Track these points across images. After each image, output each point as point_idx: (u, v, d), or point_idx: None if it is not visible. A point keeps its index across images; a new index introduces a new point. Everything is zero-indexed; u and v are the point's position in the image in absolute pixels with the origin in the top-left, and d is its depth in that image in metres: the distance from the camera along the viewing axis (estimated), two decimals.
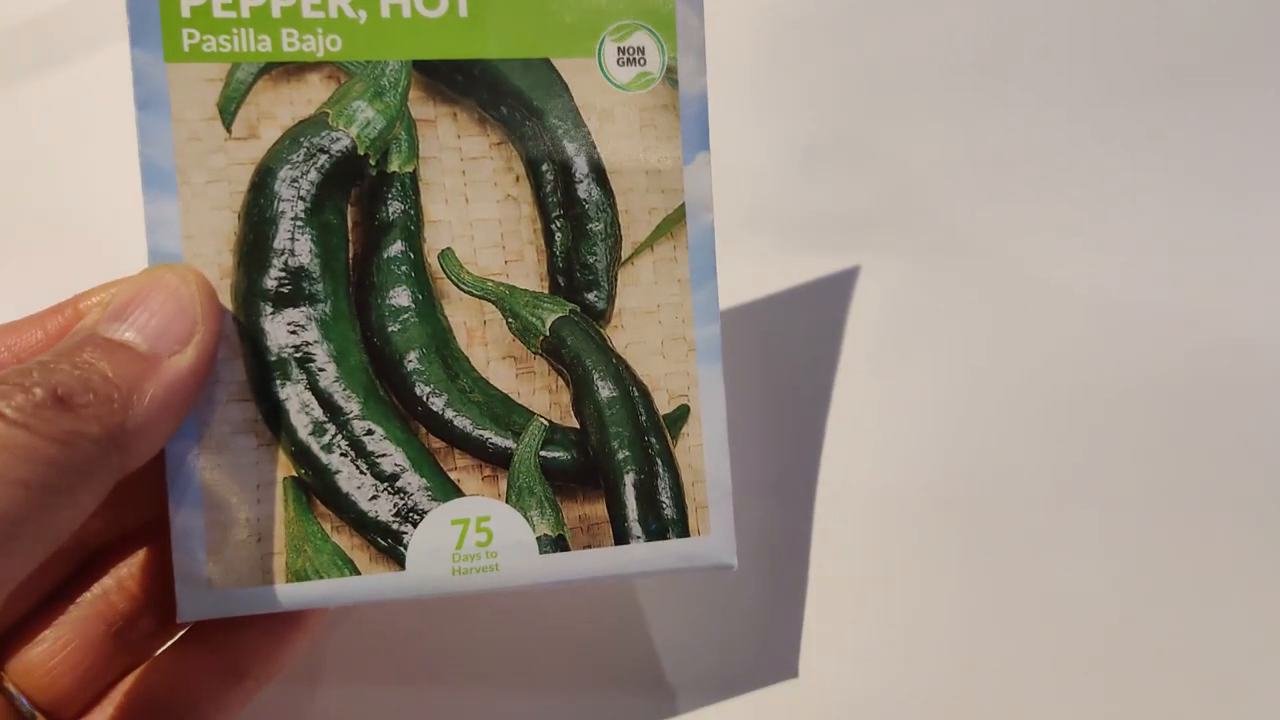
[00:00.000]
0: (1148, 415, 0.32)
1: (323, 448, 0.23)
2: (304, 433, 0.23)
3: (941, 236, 0.33)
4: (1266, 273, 0.33)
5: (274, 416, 0.23)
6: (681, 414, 0.25)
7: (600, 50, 0.25)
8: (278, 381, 0.23)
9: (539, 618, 0.30)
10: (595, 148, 0.25)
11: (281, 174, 0.23)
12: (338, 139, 0.24)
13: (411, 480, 0.24)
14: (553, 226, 0.25)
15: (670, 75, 0.25)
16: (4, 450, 0.18)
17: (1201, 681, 0.30)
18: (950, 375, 0.32)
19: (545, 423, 0.25)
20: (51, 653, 0.23)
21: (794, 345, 0.33)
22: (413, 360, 0.24)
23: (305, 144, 0.23)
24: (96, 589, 0.24)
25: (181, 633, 0.25)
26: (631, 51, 0.25)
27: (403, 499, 0.24)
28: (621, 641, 0.30)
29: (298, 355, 0.23)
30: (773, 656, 0.30)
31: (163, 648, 0.25)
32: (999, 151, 0.34)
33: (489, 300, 0.24)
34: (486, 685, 0.30)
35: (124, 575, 0.24)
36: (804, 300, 0.33)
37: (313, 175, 0.23)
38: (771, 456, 0.32)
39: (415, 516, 0.24)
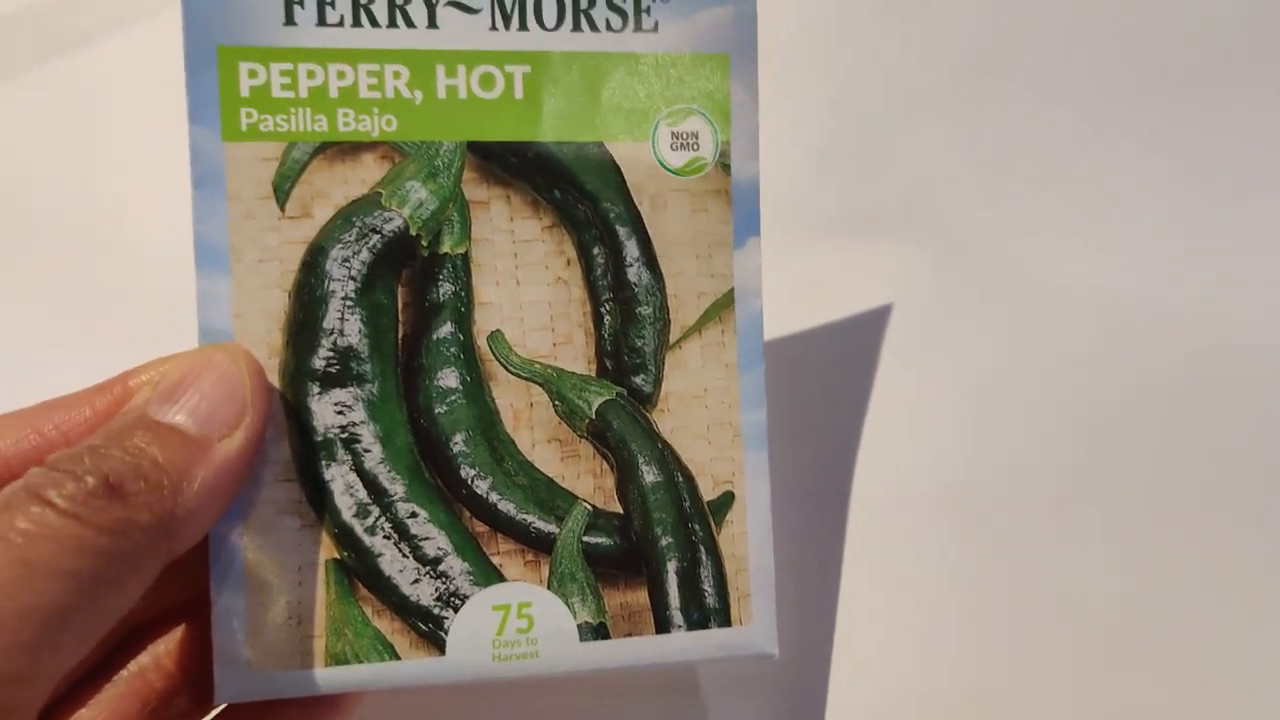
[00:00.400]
0: (1163, 415, 0.32)
1: (366, 530, 0.23)
2: (348, 514, 0.23)
3: (951, 237, 0.33)
4: (1271, 273, 0.33)
5: (318, 497, 0.23)
6: (726, 500, 0.25)
7: (654, 134, 0.25)
8: (323, 462, 0.23)
9: None
10: (646, 232, 0.25)
11: (333, 253, 0.23)
12: (390, 219, 0.23)
13: (454, 564, 0.24)
14: (602, 310, 0.25)
15: (723, 159, 0.25)
16: (54, 542, 0.18)
17: (1237, 682, 0.30)
18: (961, 376, 0.32)
19: (589, 508, 0.24)
20: None
21: (805, 346, 0.33)
22: (459, 442, 0.24)
23: (358, 224, 0.23)
24: (133, 666, 0.23)
25: (216, 712, 0.25)
26: (685, 136, 0.25)
27: (445, 583, 0.24)
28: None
29: (344, 436, 0.23)
30: (799, 653, 0.30)
31: None
32: (1010, 153, 0.34)
33: (536, 383, 0.24)
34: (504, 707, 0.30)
35: (161, 653, 0.23)
36: (815, 301, 0.33)
37: (364, 255, 0.23)
38: (783, 460, 0.32)
39: (457, 601, 0.24)
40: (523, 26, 0.24)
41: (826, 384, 0.32)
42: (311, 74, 0.23)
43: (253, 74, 0.23)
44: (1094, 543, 0.31)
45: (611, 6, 0.24)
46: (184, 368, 0.21)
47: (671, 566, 0.25)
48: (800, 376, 0.33)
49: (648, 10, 0.24)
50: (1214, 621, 0.30)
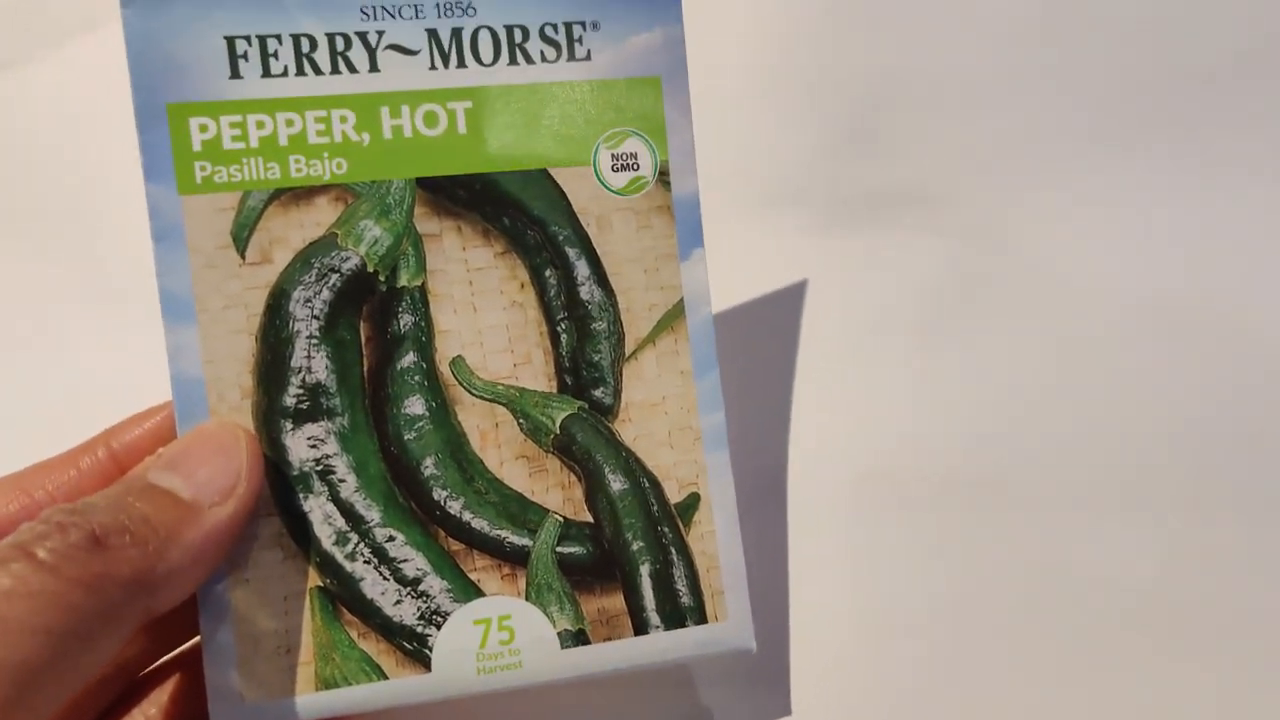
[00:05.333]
0: (1180, 406, 0.32)
1: (346, 556, 0.24)
2: (328, 543, 0.24)
3: (968, 225, 0.34)
4: None
5: (298, 529, 0.24)
6: (692, 502, 0.26)
7: (595, 158, 0.26)
8: (301, 495, 0.24)
9: None
10: (595, 251, 0.26)
11: (295, 295, 0.24)
12: (347, 258, 0.24)
13: (433, 583, 0.25)
14: (558, 328, 0.26)
15: (663, 177, 0.26)
16: (29, 598, 0.18)
17: (1218, 666, 0.30)
18: (975, 364, 0.33)
19: (560, 519, 0.25)
20: None
21: (817, 329, 0.34)
22: (429, 466, 0.25)
23: (317, 265, 0.24)
24: (138, 715, 0.24)
25: None
26: (625, 158, 0.26)
27: (426, 602, 0.24)
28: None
29: (319, 469, 0.24)
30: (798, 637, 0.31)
31: None
32: (1030, 141, 0.34)
33: (500, 403, 0.25)
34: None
35: (165, 700, 0.24)
36: (830, 279, 0.34)
37: (325, 294, 0.24)
38: (793, 441, 0.33)
39: (439, 619, 0.24)
40: (461, 64, 0.25)
41: (837, 366, 0.33)
42: (261, 124, 0.24)
43: (203, 128, 0.24)
44: (1112, 533, 0.31)
45: (545, 39, 0.25)
46: (187, 441, 0.22)
47: (645, 569, 0.26)
48: (811, 359, 0.33)
49: (579, 40, 0.26)
50: (1227, 615, 0.31)
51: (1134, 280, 0.33)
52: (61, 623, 0.18)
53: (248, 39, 0.24)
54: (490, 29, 0.25)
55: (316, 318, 0.24)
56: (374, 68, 0.25)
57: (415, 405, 0.25)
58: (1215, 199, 0.34)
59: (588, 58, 0.26)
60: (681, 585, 0.26)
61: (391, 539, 0.24)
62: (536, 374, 0.25)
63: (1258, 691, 0.30)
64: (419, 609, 0.24)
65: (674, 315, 0.26)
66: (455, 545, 0.25)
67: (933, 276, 0.34)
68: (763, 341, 0.34)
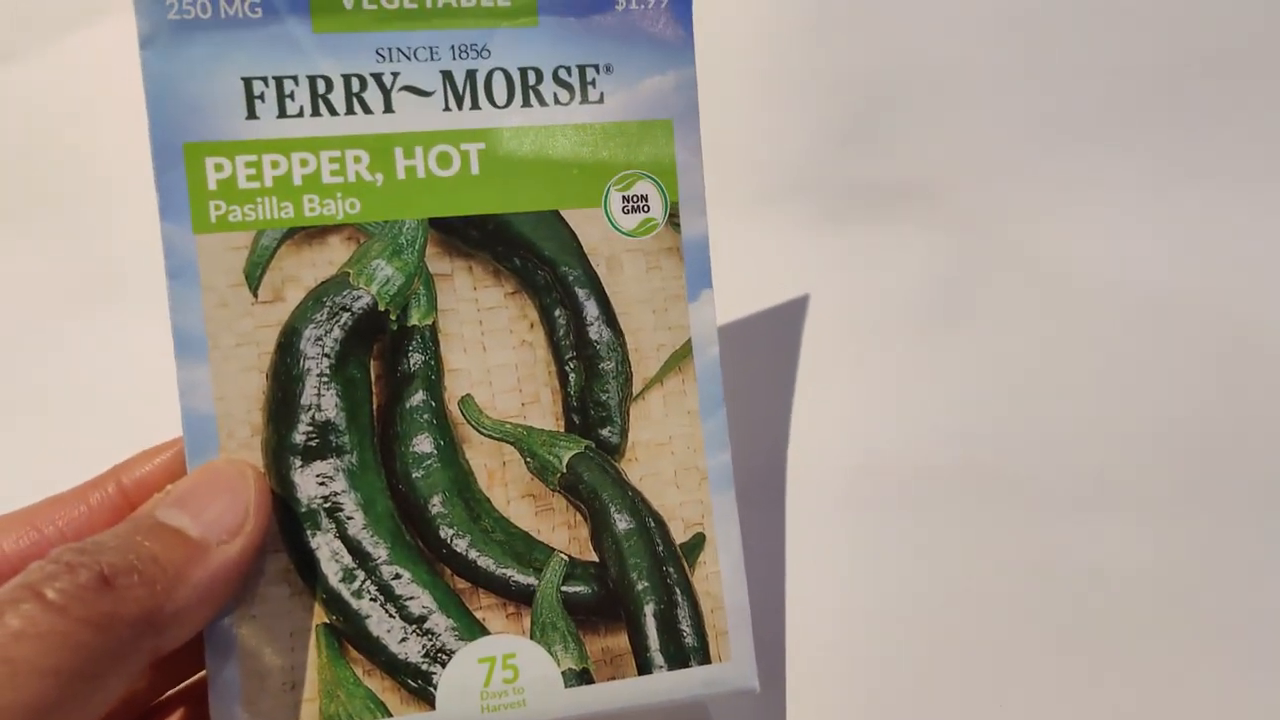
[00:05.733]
0: (1174, 403, 0.32)
1: (353, 593, 0.24)
2: (335, 580, 0.24)
3: (967, 219, 0.34)
4: None
5: (305, 565, 0.24)
6: (697, 542, 0.26)
7: (606, 200, 0.26)
8: (308, 531, 0.24)
9: None
10: (605, 291, 0.26)
11: (306, 333, 0.24)
12: (359, 297, 0.25)
13: (439, 621, 0.25)
14: (566, 368, 0.26)
15: (673, 219, 0.26)
16: (38, 639, 0.18)
17: (1217, 664, 0.30)
18: (972, 356, 0.33)
19: (565, 558, 0.25)
20: None
21: (818, 320, 0.34)
22: (436, 504, 0.25)
23: (328, 303, 0.24)
24: None
25: None
26: (636, 200, 0.26)
27: (431, 640, 0.25)
28: None
29: (327, 505, 0.24)
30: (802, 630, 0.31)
31: None
32: (1034, 135, 0.34)
33: (508, 442, 0.25)
34: None
35: None
36: (829, 275, 0.34)
37: (336, 333, 0.25)
38: (789, 437, 0.33)
39: (444, 657, 0.25)
40: (475, 106, 0.25)
41: (834, 362, 0.33)
42: (276, 164, 0.24)
43: (219, 168, 0.24)
44: (1110, 531, 0.31)
45: (558, 81, 0.26)
46: (195, 478, 0.23)
47: (649, 609, 0.26)
48: (809, 355, 0.33)
49: (593, 83, 0.26)
50: (1225, 614, 0.30)
51: (1133, 278, 0.33)
52: (70, 664, 0.18)
53: (264, 80, 0.24)
54: (504, 71, 0.25)
55: (327, 356, 0.24)
56: (389, 108, 0.25)
57: (423, 443, 0.25)
58: (1215, 197, 0.34)
59: (600, 100, 0.26)
60: (686, 625, 0.26)
61: (398, 576, 0.25)
62: (544, 413, 0.26)
63: (1257, 691, 0.30)
64: (424, 647, 0.25)
65: (681, 355, 0.26)
66: (461, 583, 0.25)
67: (931, 272, 0.34)
68: (760, 337, 0.34)
